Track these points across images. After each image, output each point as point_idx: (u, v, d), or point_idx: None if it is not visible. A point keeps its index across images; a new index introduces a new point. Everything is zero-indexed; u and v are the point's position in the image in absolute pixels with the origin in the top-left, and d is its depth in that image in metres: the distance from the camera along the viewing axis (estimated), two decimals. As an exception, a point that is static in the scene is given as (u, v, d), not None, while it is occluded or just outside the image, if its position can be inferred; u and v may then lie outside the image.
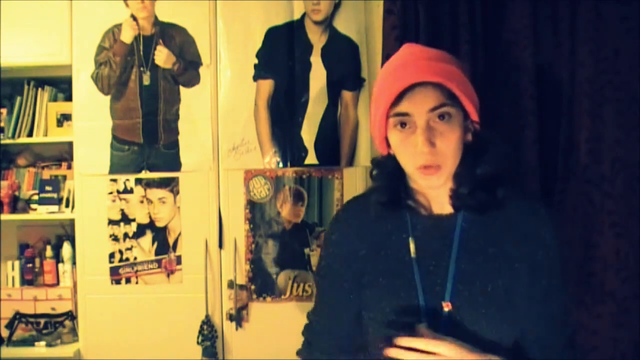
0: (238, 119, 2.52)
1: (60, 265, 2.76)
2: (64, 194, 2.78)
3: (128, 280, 2.55)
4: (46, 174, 2.86)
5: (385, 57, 2.04)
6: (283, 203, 2.52)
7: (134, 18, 2.54)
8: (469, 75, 1.20)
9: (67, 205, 2.76)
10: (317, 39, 2.52)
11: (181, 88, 2.54)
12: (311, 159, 2.52)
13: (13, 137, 2.75)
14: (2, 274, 2.81)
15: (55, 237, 2.86)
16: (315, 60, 2.51)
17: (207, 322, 2.51)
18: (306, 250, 2.52)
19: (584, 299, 2.01)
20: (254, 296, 2.52)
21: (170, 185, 2.55)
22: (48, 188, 2.78)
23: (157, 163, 2.55)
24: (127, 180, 2.55)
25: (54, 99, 2.82)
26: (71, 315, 2.67)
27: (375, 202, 1.24)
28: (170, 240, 2.55)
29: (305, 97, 2.51)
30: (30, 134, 2.77)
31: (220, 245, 2.54)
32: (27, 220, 2.83)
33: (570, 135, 2.04)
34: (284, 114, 2.52)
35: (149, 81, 2.54)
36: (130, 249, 2.55)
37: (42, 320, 2.67)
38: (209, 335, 2.50)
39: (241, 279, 2.53)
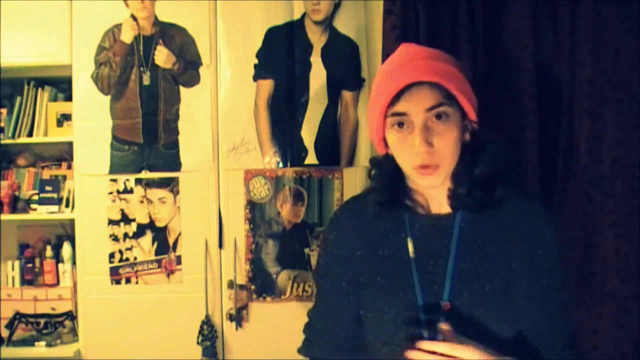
0: (238, 119, 2.52)
1: (60, 265, 2.76)
2: (64, 194, 2.78)
3: (128, 280, 2.55)
4: (46, 174, 2.86)
5: (385, 57, 2.04)
6: (283, 203, 2.52)
7: (134, 18, 2.54)
8: (468, 75, 1.20)
9: (67, 205, 2.76)
10: (317, 39, 2.52)
11: (181, 88, 2.54)
12: (311, 159, 2.52)
13: (13, 137, 2.75)
14: (2, 274, 2.81)
15: (55, 237, 2.86)
16: (315, 60, 2.51)
17: (207, 322, 2.51)
18: (306, 250, 2.52)
19: (584, 299, 2.01)
20: (254, 296, 2.52)
21: (170, 185, 2.55)
22: (48, 188, 2.78)
23: (157, 163, 2.55)
24: (127, 180, 2.55)
25: (54, 99, 2.82)
26: (71, 315, 2.67)
27: (373, 201, 1.24)
28: (170, 240, 2.55)
29: (305, 97, 2.51)
30: (30, 134, 2.77)
31: (220, 245, 2.54)
32: (27, 220, 2.83)
33: (570, 135, 2.04)
34: (284, 114, 2.52)
35: (149, 81, 2.54)
36: (130, 249, 2.55)
37: (42, 320, 2.67)
38: (209, 335, 2.50)
39: (241, 279, 2.53)
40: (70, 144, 2.64)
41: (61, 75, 2.66)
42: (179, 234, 2.55)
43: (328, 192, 2.52)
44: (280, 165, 2.52)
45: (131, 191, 2.55)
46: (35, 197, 2.79)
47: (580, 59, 2.01)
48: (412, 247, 1.20)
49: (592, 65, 1.99)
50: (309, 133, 2.52)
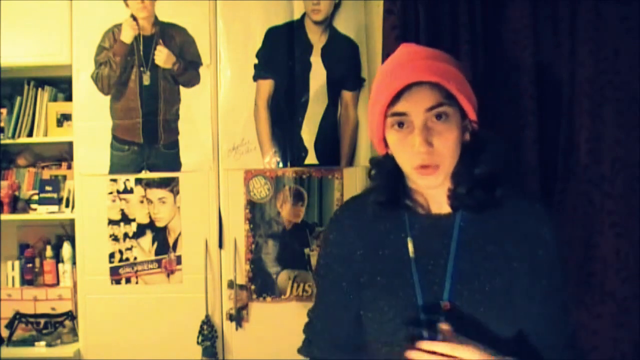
0: (238, 119, 2.52)
1: (60, 265, 2.76)
2: (64, 194, 2.78)
3: (128, 280, 2.55)
4: (46, 174, 2.86)
5: (385, 57, 2.04)
6: (283, 203, 2.52)
7: (134, 18, 2.54)
8: (468, 75, 1.20)
9: (67, 205, 2.76)
10: (317, 39, 2.52)
11: (181, 88, 2.54)
12: (311, 159, 2.52)
13: (13, 137, 2.75)
14: (2, 274, 2.81)
15: (55, 237, 2.86)
16: (315, 60, 2.51)
17: (207, 322, 2.51)
18: (306, 250, 2.52)
19: (584, 299, 2.01)
20: (254, 296, 2.52)
21: (170, 185, 2.55)
22: (48, 188, 2.78)
23: (157, 163, 2.55)
24: (127, 180, 2.55)
25: (54, 99, 2.82)
26: (71, 315, 2.67)
27: (373, 201, 1.24)
28: (170, 240, 2.55)
29: (305, 97, 2.51)
30: (30, 134, 2.77)
31: (220, 245, 2.54)
32: (27, 220, 2.83)
33: (570, 135, 2.04)
34: (284, 114, 2.52)
35: (149, 81, 2.54)
36: (130, 249, 2.55)
37: (42, 320, 2.67)
38: (209, 335, 2.50)
39: (241, 279, 2.53)
40: (70, 144, 2.64)
41: (61, 75, 2.66)
42: (179, 234, 2.55)
43: (328, 192, 2.52)
44: (280, 165, 2.52)
45: (131, 191, 2.55)
46: (35, 197, 2.79)
47: (580, 59, 2.01)
48: (412, 247, 1.20)
49: (592, 65, 1.99)
50: (309, 133, 2.52)
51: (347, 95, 2.52)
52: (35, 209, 2.78)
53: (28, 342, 2.62)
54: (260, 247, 2.52)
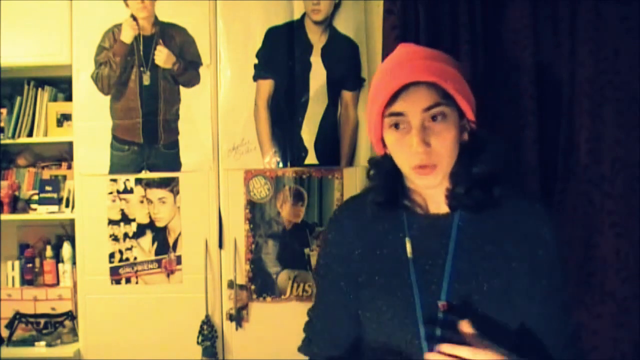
0: (238, 119, 2.52)
1: (60, 265, 2.76)
2: (64, 194, 2.78)
3: (128, 280, 2.55)
4: (46, 174, 2.86)
5: (385, 57, 2.03)
6: (283, 203, 2.52)
7: (134, 18, 2.54)
8: (466, 75, 1.20)
9: (67, 205, 2.76)
10: (317, 39, 2.52)
11: (181, 88, 2.54)
12: (311, 159, 2.52)
13: (13, 137, 2.75)
14: (2, 274, 2.81)
15: (55, 237, 2.86)
16: (315, 60, 2.51)
17: (207, 322, 2.51)
18: (306, 250, 2.52)
19: (584, 299, 2.01)
20: (254, 296, 2.52)
21: (170, 185, 2.55)
22: (48, 188, 2.78)
23: (157, 163, 2.55)
24: (127, 180, 2.55)
25: (54, 99, 2.82)
26: (71, 315, 2.67)
27: (371, 201, 1.24)
28: (170, 240, 2.55)
29: (305, 97, 2.51)
30: (30, 134, 2.77)
31: (220, 245, 2.54)
32: (27, 220, 2.83)
33: (570, 135, 2.04)
34: (284, 114, 2.52)
35: (149, 81, 2.54)
36: (130, 249, 2.55)
37: (42, 320, 2.67)
38: (209, 335, 2.50)
39: (241, 279, 2.53)
40: (70, 144, 2.63)
41: (61, 75, 2.66)
42: (179, 234, 2.55)
43: (328, 192, 2.52)
44: (280, 165, 2.52)
45: (131, 191, 2.55)
46: (35, 197, 2.79)
47: (580, 59, 2.01)
48: (410, 247, 1.20)
49: (592, 65, 1.99)
50: (309, 133, 2.51)
51: (347, 95, 2.52)
52: (35, 209, 2.78)
53: (28, 342, 2.62)
54: (260, 247, 2.52)
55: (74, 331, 2.66)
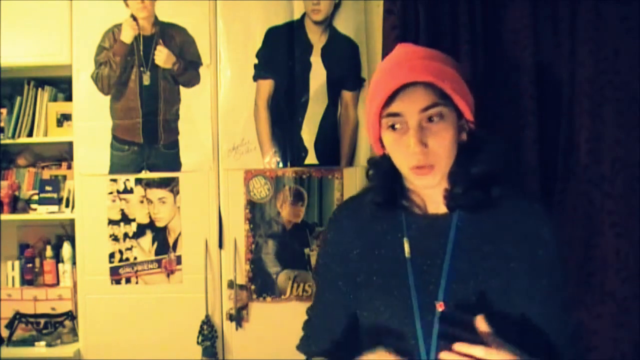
0: (238, 119, 2.52)
1: (60, 265, 2.76)
2: (64, 194, 2.78)
3: (128, 280, 2.55)
4: (46, 174, 2.86)
5: (385, 57, 2.04)
6: (283, 203, 2.52)
7: (134, 18, 2.54)
8: (466, 75, 1.20)
9: (67, 205, 2.76)
10: (317, 39, 2.52)
11: (181, 88, 2.54)
12: (311, 159, 2.52)
13: (13, 137, 2.75)
14: (2, 274, 2.81)
15: (55, 237, 2.86)
16: (315, 60, 2.51)
17: (207, 322, 2.51)
18: (306, 250, 2.52)
19: (584, 299, 2.01)
20: (254, 296, 2.52)
21: (170, 185, 2.55)
22: (48, 188, 2.78)
23: (157, 163, 2.55)
24: (127, 180, 2.55)
25: (54, 99, 2.82)
26: (71, 315, 2.67)
27: (370, 202, 1.25)
28: (170, 240, 2.55)
29: (305, 97, 2.51)
30: (30, 134, 2.77)
31: (220, 245, 2.54)
32: (27, 220, 2.83)
33: (570, 135, 2.04)
34: (284, 114, 2.52)
35: (149, 81, 2.54)
36: (130, 249, 2.55)
37: (42, 320, 2.67)
38: (209, 335, 2.50)
39: (241, 279, 2.53)
40: (70, 144, 2.63)
41: (61, 75, 2.66)
42: (179, 234, 2.55)
43: (328, 192, 2.52)
44: (280, 165, 2.52)
45: (131, 191, 2.55)
46: (35, 197, 2.79)
47: (580, 59, 2.01)
48: (408, 247, 1.20)
49: (592, 65, 1.99)
50: (309, 133, 2.51)
51: (347, 95, 2.52)
52: (35, 209, 2.78)
53: (28, 342, 2.62)
54: (260, 247, 2.52)
55: (74, 331, 2.66)
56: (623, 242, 1.98)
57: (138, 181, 2.55)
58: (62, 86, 2.81)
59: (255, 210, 2.53)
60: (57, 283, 2.75)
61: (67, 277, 2.73)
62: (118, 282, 2.55)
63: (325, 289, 1.31)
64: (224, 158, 2.53)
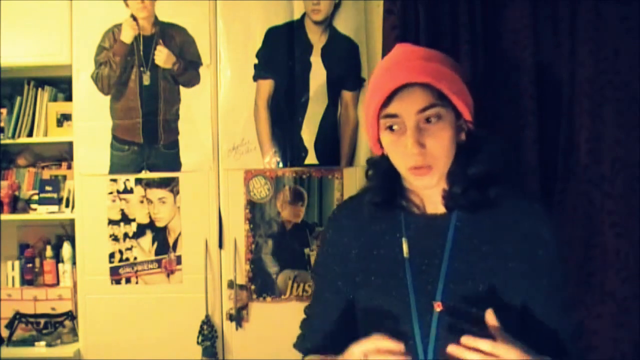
0: (238, 119, 2.52)
1: (60, 265, 2.76)
2: (64, 194, 2.78)
3: (128, 280, 2.55)
4: (46, 174, 2.86)
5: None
6: (283, 203, 2.52)
7: (134, 18, 2.54)
8: (464, 75, 1.20)
9: (67, 205, 2.76)
10: (317, 39, 2.52)
11: (181, 88, 2.54)
12: (311, 159, 2.52)
13: (13, 137, 2.75)
14: (2, 274, 2.81)
15: (55, 237, 2.86)
16: (315, 60, 2.51)
17: (207, 322, 2.51)
18: (306, 250, 2.52)
19: (584, 299, 2.01)
20: (254, 296, 2.52)
21: (170, 185, 2.55)
22: (48, 188, 2.78)
23: (157, 163, 2.55)
24: (127, 180, 2.55)
25: (54, 99, 2.82)
26: (71, 315, 2.67)
27: (368, 202, 1.25)
28: (170, 240, 2.55)
29: (305, 97, 2.51)
30: (30, 134, 2.77)
31: (220, 245, 2.54)
32: (27, 220, 2.83)
33: (570, 135, 2.04)
34: (284, 114, 2.52)
35: (149, 81, 2.54)
36: (130, 249, 2.55)
37: (42, 320, 2.67)
38: (209, 335, 2.50)
39: (241, 279, 2.53)
40: (70, 144, 2.64)
41: (61, 75, 2.66)
42: (179, 234, 2.55)
43: (328, 192, 2.52)
44: (280, 165, 2.52)
45: (131, 191, 2.55)
46: (35, 197, 2.79)
47: (580, 59, 2.01)
48: (406, 247, 1.20)
49: (592, 65, 1.99)
50: (309, 133, 2.52)
51: (347, 95, 2.52)
52: (35, 209, 2.78)
53: (28, 342, 2.62)
54: (260, 247, 2.52)
55: (74, 331, 2.66)
56: (623, 242, 1.98)
57: (138, 181, 2.55)
58: (62, 86, 2.81)
59: (255, 210, 2.53)
60: (57, 283, 2.75)
61: (67, 277, 2.73)
62: (118, 282, 2.55)
63: (324, 289, 1.31)
64: (224, 158, 2.53)
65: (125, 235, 2.55)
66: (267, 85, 2.51)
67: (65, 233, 2.82)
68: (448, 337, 1.09)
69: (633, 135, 1.99)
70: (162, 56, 2.53)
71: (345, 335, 1.26)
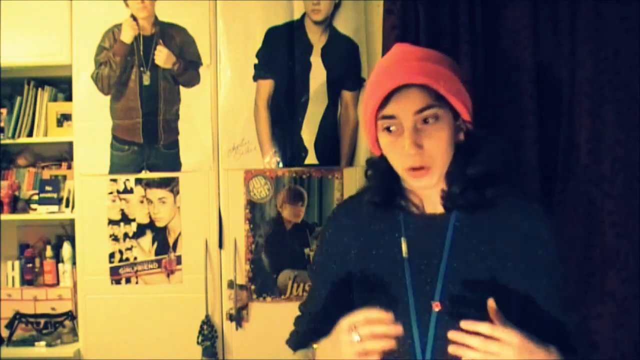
0: (238, 119, 2.52)
1: (60, 265, 2.76)
2: (64, 194, 2.78)
3: (128, 280, 2.55)
4: (46, 174, 2.85)
5: (385, 57, 2.04)
6: (283, 203, 2.52)
7: (134, 18, 2.54)
8: (465, 75, 1.20)
9: (67, 205, 2.76)
10: (317, 39, 2.52)
11: (181, 88, 2.54)
12: (311, 159, 2.52)
13: (13, 137, 2.75)
14: (2, 274, 2.80)
15: (55, 237, 2.86)
16: (315, 60, 2.51)
17: (207, 322, 2.51)
18: (306, 250, 2.52)
19: (584, 299, 2.01)
20: (254, 296, 2.52)
21: (170, 185, 2.55)
22: (48, 188, 2.78)
23: (157, 163, 2.55)
24: (127, 180, 2.55)
25: (54, 99, 2.82)
26: (71, 315, 2.67)
27: (368, 202, 1.25)
28: (170, 240, 2.55)
29: (305, 97, 2.51)
30: (30, 134, 2.77)
31: (220, 245, 2.54)
32: (27, 220, 2.83)
33: (570, 135, 2.04)
34: (284, 114, 2.52)
35: (149, 81, 2.54)
36: (130, 249, 2.55)
37: (42, 320, 2.67)
38: (209, 335, 2.50)
39: (241, 279, 2.53)
40: (70, 144, 2.64)
41: (61, 75, 2.66)
42: (179, 234, 2.55)
43: (328, 192, 2.52)
44: (280, 165, 2.52)
45: (131, 191, 2.55)
46: (35, 197, 2.79)
47: (580, 59, 2.01)
48: (405, 247, 1.20)
49: (592, 65, 1.99)
50: (309, 133, 2.52)
51: (347, 95, 2.52)
52: (35, 209, 2.78)
53: (28, 342, 2.62)
54: (260, 247, 2.52)
55: (74, 331, 2.66)
56: (623, 242, 1.98)
57: (138, 181, 2.55)
58: (62, 86, 2.81)
59: (255, 210, 2.53)
60: (57, 283, 2.75)
61: (67, 277, 2.73)
62: (118, 282, 2.55)
63: (321, 287, 1.31)
64: (224, 158, 2.53)
65: (125, 235, 2.55)
66: (267, 85, 2.52)
67: (65, 233, 2.82)
68: (446, 337, 1.09)
69: (633, 135, 1.99)
70: (162, 56, 2.53)
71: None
